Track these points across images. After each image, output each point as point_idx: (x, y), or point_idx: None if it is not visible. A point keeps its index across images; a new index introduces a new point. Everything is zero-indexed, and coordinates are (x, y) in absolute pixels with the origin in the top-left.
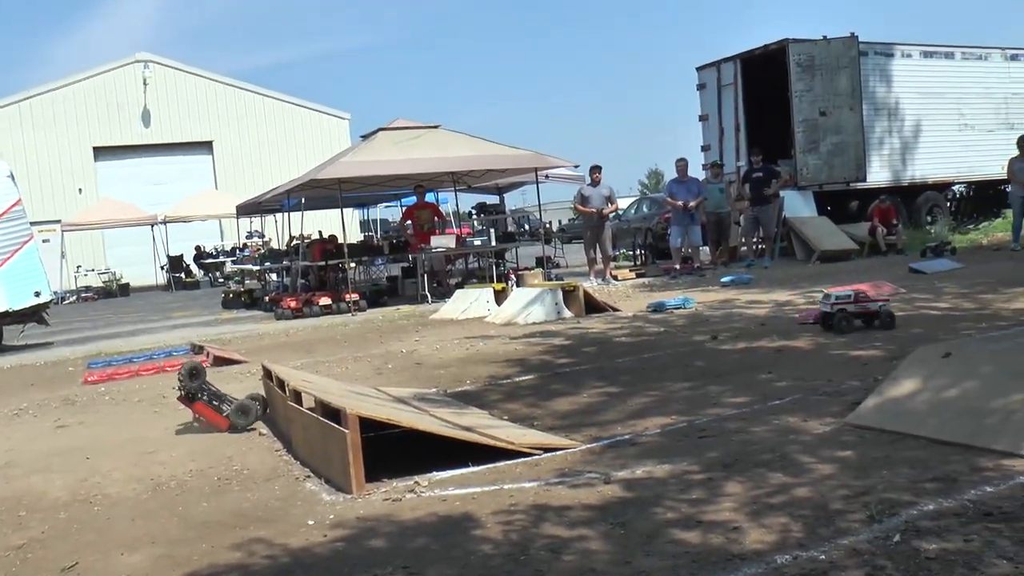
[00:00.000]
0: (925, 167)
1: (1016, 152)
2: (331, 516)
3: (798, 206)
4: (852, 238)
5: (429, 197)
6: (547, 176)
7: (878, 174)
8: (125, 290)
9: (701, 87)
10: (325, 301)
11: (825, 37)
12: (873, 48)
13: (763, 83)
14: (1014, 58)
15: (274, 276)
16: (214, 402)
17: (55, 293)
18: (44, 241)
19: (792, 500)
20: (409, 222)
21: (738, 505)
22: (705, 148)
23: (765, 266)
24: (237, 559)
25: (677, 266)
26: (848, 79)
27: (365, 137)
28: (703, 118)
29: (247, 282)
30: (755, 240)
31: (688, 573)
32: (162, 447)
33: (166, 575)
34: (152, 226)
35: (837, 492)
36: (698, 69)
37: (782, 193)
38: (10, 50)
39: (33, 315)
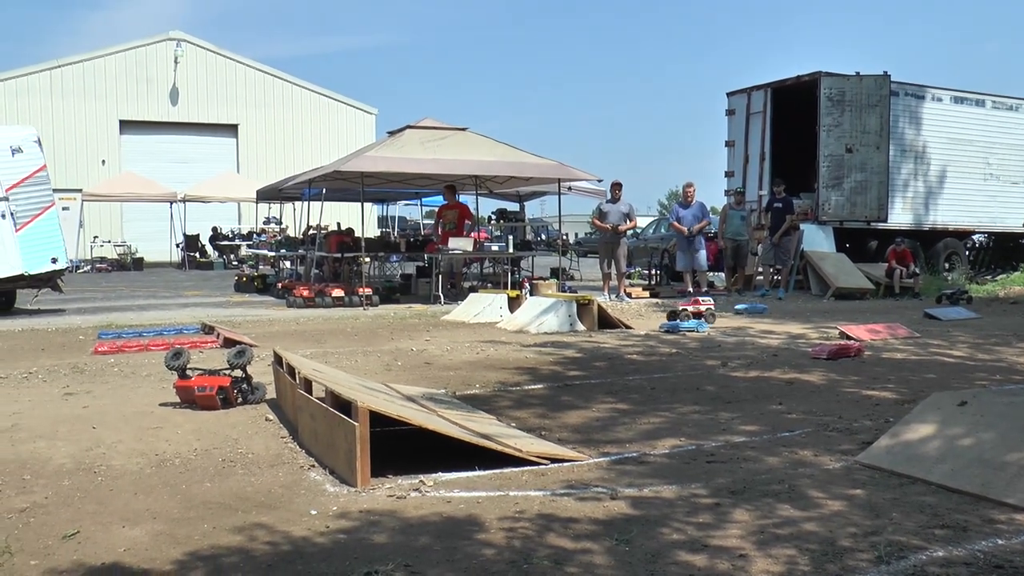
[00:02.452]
0: (947, 213)
1: None
2: (334, 508)
3: (817, 240)
4: (868, 277)
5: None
6: (569, 188)
7: (900, 216)
8: (139, 264)
9: (730, 113)
10: (338, 293)
11: (858, 73)
12: (904, 88)
13: (792, 114)
14: None
15: (288, 264)
16: (243, 386)
17: (71, 261)
18: (64, 209)
19: (800, 533)
20: (441, 221)
21: (745, 533)
22: (729, 174)
23: (779, 297)
24: (238, 543)
25: (691, 288)
26: (877, 117)
27: (392, 133)
28: (729, 144)
29: (261, 267)
30: (771, 270)
31: None
32: (167, 424)
33: (166, 552)
34: (171, 204)
35: (846, 529)
36: (729, 95)
37: (802, 226)
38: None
39: (48, 281)
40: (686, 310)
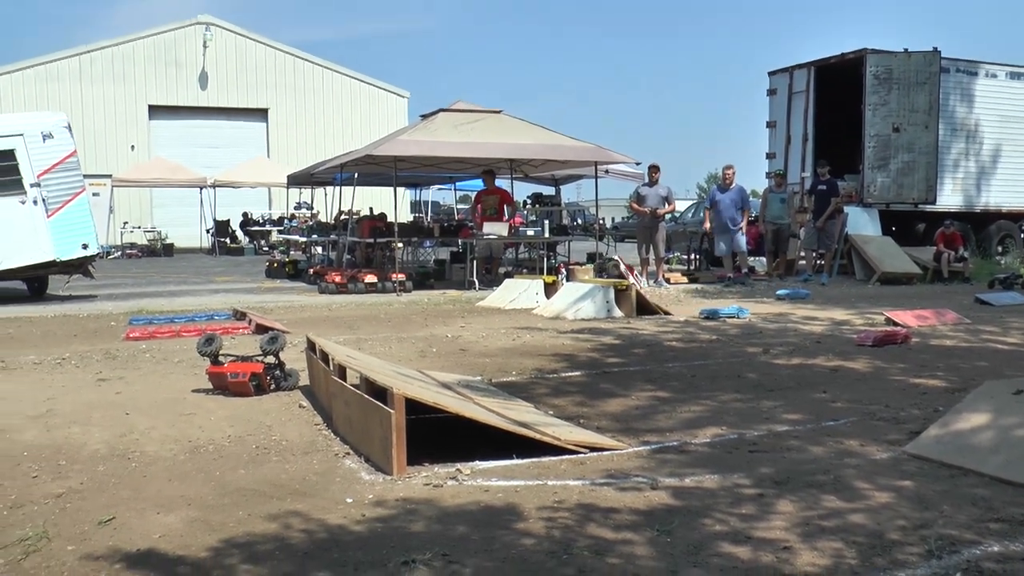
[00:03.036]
0: (1001, 195)
1: None
2: (370, 496)
3: (862, 224)
4: (916, 262)
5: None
6: (607, 171)
7: (949, 197)
8: (169, 250)
9: (772, 92)
10: (371, 279)
11: (906, 50)
12: (956, 65)
13: (836, 93)
14: None
15: (320, 249)
16: (276, 372)
17: (101, 247)
18: (94, 195)
19: (846, 525)
20: (478, 207)
21: (790, 524)
22: (770, 156)
23: (823, 283)
24: (273, 530)
25: (731, 275)
26: (926, 95)
27: (425, 116)
28: (770, 125)
29: (292, 253)
30: (814, 254)
31: None
32: (200, 410)
33: (201, 539)
34: (201, 189)
35: (894, 522)
36: (770, 74)
37: (846, 209)
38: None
39: (79, 267)
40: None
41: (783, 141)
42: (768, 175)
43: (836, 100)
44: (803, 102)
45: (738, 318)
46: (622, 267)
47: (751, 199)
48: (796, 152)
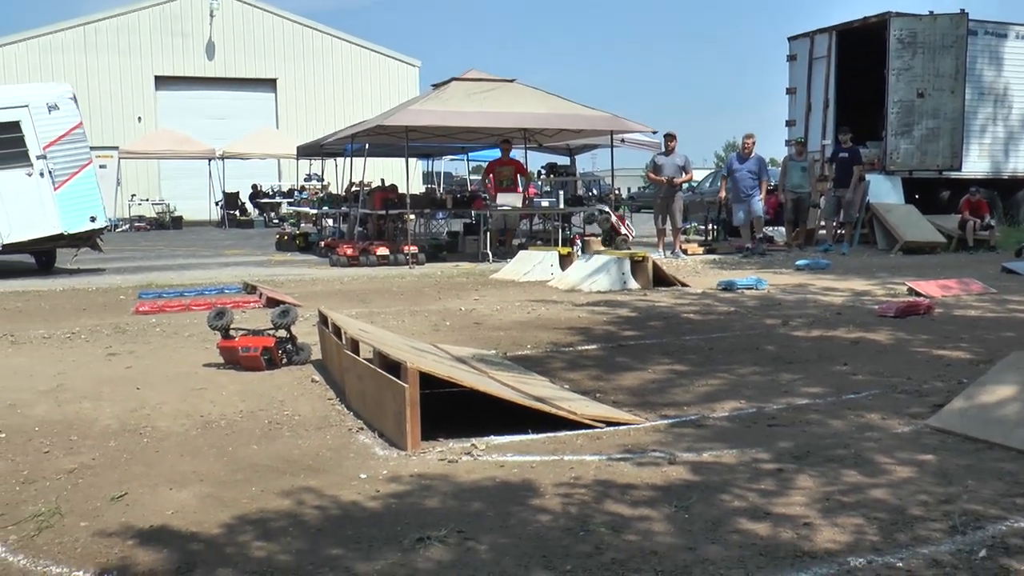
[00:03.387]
0: None
1: None
2: (384, 471)
3: (884, 192)
4: (940, 230)
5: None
6: (622, 140)
7: (975, 164)
8: (178, 223)
9: (792, 58)
10: (383, 251)
11: (931, 12)
12: (984, 27)
13: (859, 58)
14: None
15: (330, 222)
16: (288, 346)
17: (109, 220)
18: (101, 167)
19: (867, 500)
20: (491, 177)
21: (809, 500)
22: (790, 123)
23: (843, 252)
24: (286, 507)
25: (749, 245)
26: (952, 59)
27: (437, 86)
28: (790, 91)
29: (302, 225)
30: (835, 224)
31: (755, 566)
32: (211, 385)
33: (214, 515)
34: (209, 160)
35: (916, 497)
36: (790, 39)
37: (868, 177)
38: None
39: (87, 240)
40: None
41: (803, 108)
42: (788, 143)
43: (858, 65)
44: (824, 68)
45: (756, 289)
46: (613, 218)
47: (770, 168)
48: (817, 119)
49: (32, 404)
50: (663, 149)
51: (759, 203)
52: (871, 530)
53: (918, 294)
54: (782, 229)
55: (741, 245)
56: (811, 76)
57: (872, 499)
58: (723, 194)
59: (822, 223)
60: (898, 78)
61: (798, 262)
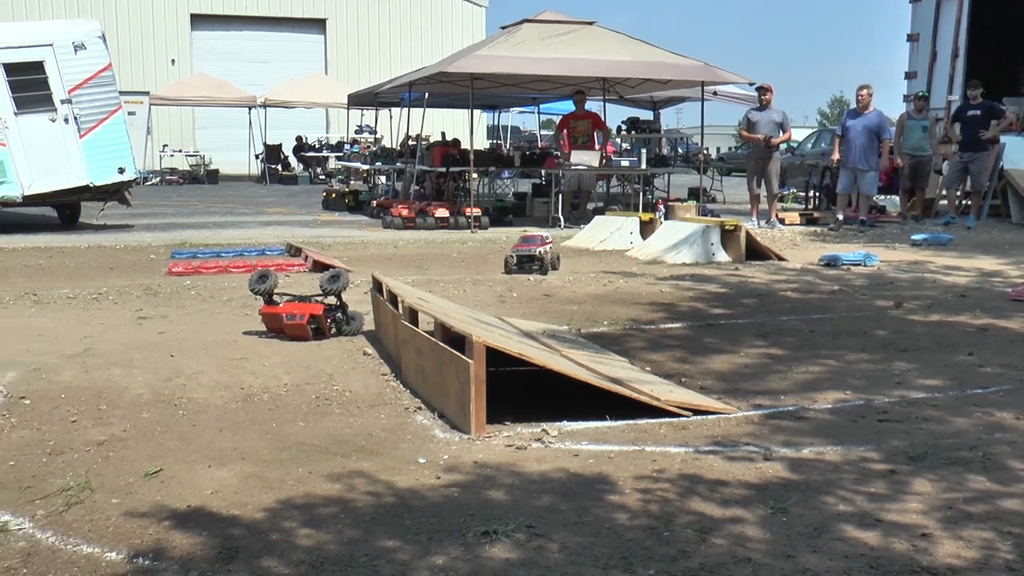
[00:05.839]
0: None
1: None
2: (445, 457)
3: (1021, 157)
4: None
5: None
6: (715, 93)
7: None
8: (214, 177)
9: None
10: (442, 213)
11: None
12: None
13: (994, 1)
14: None
15: (383, 179)
16: (338, 315)
17: (138, 172)
18: (130, 114)
19: (998, 512)
20: (564, 132)
21: (928, 508)
22: (910, 76)
23: (969, 226)
24: (336, 492)
25: (840, 216)
26: None
27: (506, 28)
28: (912, 38)
29: (352, 182)
30: (959, 193)
31: None
32: (253, 355)
33: (256, 498)
34: (249, 109)
35: None
36: None
37: (1003, 139)
38: None
39: (115, 193)
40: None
41: (927, 58)
42: (907, 98)
43: (995, 8)
44: (954, 10)
45: (865, 266)
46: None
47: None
48: (943, 71)
49: (58, 369)
50: (757, 104)
51: (872, 178)
52: (1004, 546)
53: None
54: (895, 198)
55: (850, 215)
56: (938, 20)
57: (1005, 510)
58: (836, 156)
59: (944, 192)
60: None
61: (914, 236)
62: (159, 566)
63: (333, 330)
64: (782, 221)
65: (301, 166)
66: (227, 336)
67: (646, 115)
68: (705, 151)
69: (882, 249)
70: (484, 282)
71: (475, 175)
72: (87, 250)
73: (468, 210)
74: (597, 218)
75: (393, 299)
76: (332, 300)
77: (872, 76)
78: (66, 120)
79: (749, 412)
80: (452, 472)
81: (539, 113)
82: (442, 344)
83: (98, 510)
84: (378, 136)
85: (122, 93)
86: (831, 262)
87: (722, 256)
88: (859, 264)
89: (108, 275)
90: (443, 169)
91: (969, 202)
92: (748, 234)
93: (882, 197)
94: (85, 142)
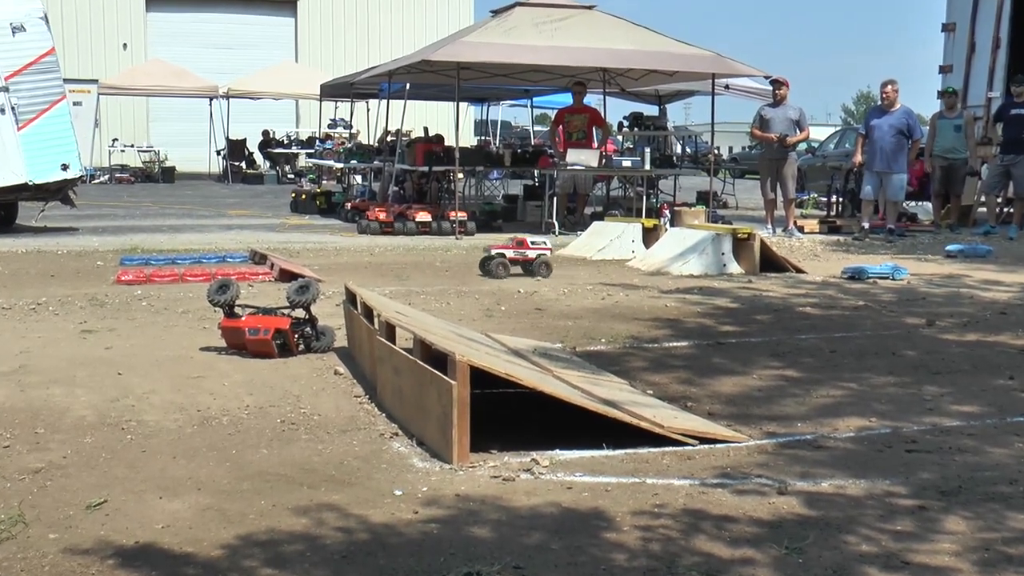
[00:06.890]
0: None
1: None
2: (424, 488)
3: None
4: None
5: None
6: (727, 86)
7: None
8: (170, 175)
9: None
10: (423, 217)
11: None
12: None
13: None
14: None
15: (359, 179)
16: (306, 329)
17: (84, 169)
18: (75, 104)
19: None
20: (559, 128)
21: (962, 548)
22: (945, 70)
23: (1011, 237)
24: (303, 527)
25: (865, 224)
26: None
27: (497, 12)
28: (948, 28)
29: (324, 182)
30: (1000, 200)
31: None
32: (211, 373)
33: (215, 533)
34: (211, 100)
35: None
36: None
37: None
38: None
39: (57, 192)
40: (502, 254)
41: (964, 50)
42: (940, 95)
43: None
44: None
45: (893, 280)
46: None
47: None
48: (982, 64)
49: None
50: (772, 100)
51: (900, 181)
52: None
53: None
54: (928, 204)
55: (877, 223)
56: (977, 8)
57: None
58: (858, 158)
59: (983, 198)
60: None
61: (949, 247)
62: None
63: (301, 346)
64: (801, 229)
65: (267, 164)
66: (182, 352)
67: (650, 110)
68: (716, 151)
69: (912, 261)
70: (470, 294)
71: (461, 175)
72: (25, 255)
73: (452, 214)
74: (595, 224)
75: (368, 313)
76: (300, 313)
77: (904, 70)
78: (2, 110)
79: (762, 441)
80: (432, 506)
81: (532, 107)
82: (422, 363)
83: (32, 546)
84: (354, 131)
85: (67, 81)
86: (855, 275)
87: (734, 267)
88: (887, 277)
89: (49, 283)
90: (425, 168)
91: (1011, 210)
92: (763, 243)
93: (913, 203)
94: (24, 135)
